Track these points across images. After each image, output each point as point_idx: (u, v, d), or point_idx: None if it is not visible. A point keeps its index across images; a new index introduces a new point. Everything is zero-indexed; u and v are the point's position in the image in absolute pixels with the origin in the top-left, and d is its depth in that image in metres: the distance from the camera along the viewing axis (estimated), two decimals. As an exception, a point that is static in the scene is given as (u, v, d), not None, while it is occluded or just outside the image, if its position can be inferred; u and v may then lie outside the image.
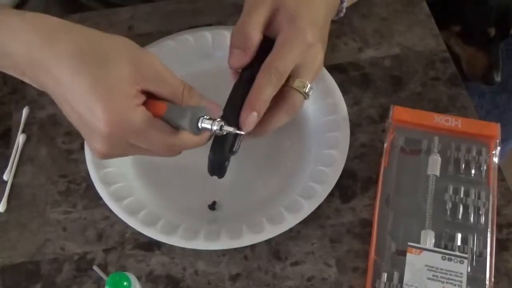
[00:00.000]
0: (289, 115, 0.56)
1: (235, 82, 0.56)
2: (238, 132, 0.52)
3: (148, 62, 0.51)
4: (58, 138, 0.68)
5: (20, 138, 0.67)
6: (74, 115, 0.51)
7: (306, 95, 0.55)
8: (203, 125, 0.50)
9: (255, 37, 0.55)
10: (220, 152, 0.54)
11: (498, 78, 0.95)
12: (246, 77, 0.55)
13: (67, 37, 0.50)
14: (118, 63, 0.49)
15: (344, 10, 0.64)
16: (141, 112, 0.50)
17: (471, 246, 0.58)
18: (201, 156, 0.65)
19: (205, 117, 0.51)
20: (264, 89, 0.53)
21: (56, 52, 0.49)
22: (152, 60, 0.51)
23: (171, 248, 0.60)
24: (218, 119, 0.51)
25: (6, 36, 0.51)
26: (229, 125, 0.51)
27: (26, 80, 0.53)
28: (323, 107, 0.66)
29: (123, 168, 0.64)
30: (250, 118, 0.53)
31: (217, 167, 0.55)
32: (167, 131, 0.51)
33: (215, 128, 0.50)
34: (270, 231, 0.59)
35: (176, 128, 0.51)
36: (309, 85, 0.55)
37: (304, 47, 0.54)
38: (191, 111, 0.50)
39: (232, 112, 0.54)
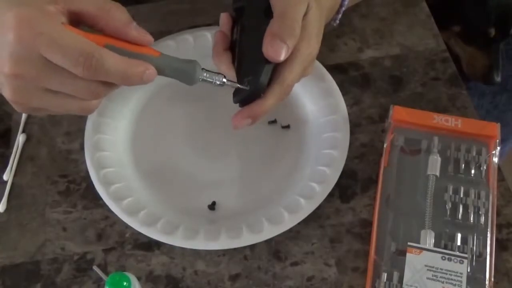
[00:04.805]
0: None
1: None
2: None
3: None
4: (58, 138, 0.68)
5: (20, 138, 0.67)
6: None
7: None
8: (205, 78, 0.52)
9: None
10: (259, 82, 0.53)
11: (498, 78, 0.95)
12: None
13: None
14: None
15: (337, 21, 0.66)
16: (56, 22, 0.46)
17: (471, 246, 0.58)
18: (201, 156, 0.66)
19: (205, 69, 0.52)
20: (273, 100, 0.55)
21: None
22: None
23: (171, 248, 0.60)
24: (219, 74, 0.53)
25: None
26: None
27: None
28: (323, 107, 0.66)
29: (123, 168, 0.64)
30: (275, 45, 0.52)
31: (253, 97, 0.54)
32: (85, 39, 0.46)
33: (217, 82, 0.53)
34: (270, 231, 0.59)
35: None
36: None
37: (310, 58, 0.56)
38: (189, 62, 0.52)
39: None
